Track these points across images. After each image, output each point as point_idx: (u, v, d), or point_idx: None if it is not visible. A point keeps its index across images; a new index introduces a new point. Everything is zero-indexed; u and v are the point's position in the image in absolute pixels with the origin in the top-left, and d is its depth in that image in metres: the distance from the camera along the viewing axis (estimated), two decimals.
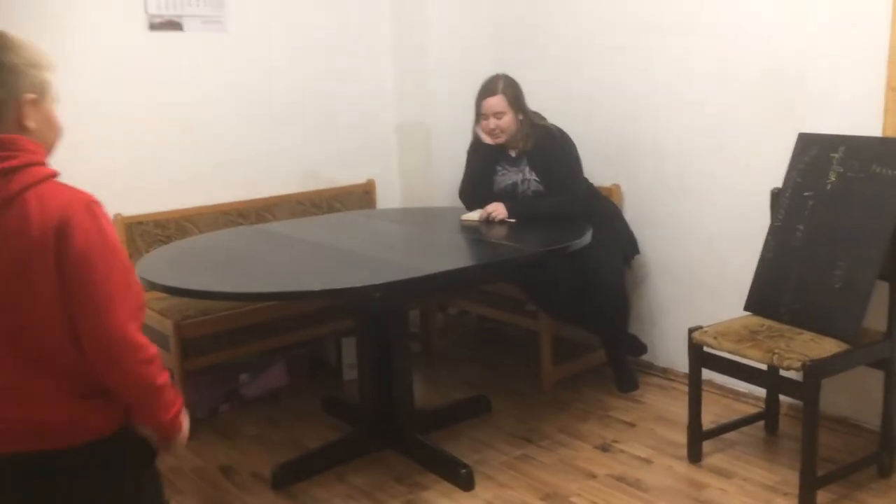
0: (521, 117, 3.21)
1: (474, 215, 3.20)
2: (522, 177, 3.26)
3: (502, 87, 3.19)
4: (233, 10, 3.56)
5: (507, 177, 3.30)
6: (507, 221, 3.13)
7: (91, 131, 3.12)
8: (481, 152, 3.33)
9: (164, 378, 1.40)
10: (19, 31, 1.40)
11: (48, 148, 1.40)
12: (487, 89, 3.20)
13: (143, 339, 1.36)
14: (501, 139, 3.23)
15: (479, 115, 3.23)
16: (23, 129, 1.35)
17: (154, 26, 3.35)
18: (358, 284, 2.40)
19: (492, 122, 3.19)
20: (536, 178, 3.24)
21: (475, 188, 3.35)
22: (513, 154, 3.29)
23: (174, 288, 2.35)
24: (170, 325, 2.99)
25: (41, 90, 1.37)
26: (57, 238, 1.29)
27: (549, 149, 3.21)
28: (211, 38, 3.52)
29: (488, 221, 3.15)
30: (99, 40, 3.20)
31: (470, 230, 3.13)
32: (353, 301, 2.88)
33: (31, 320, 1.31)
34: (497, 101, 3.17)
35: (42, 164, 1.36)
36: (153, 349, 1.39)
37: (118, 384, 1.37)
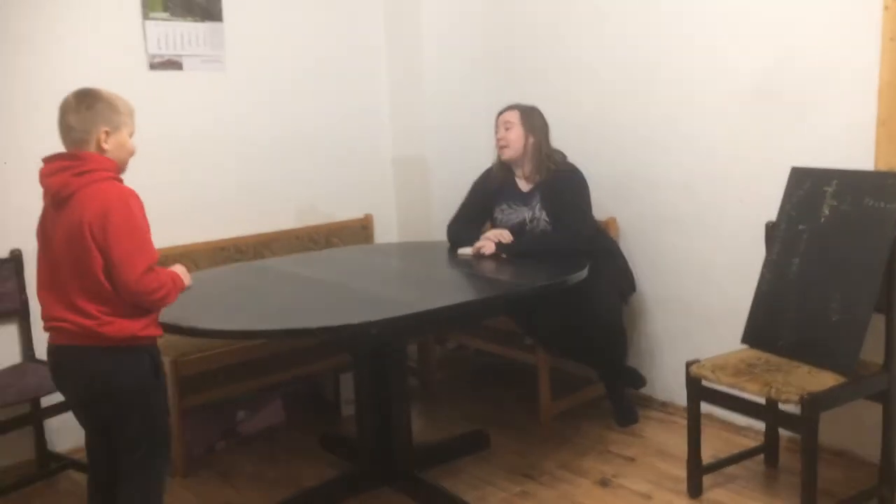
0: (531, 139, 3.24)
1: (469, 250, 3.21)
2: (532, 214, 3.27)
3: (522, 106, 3.27)
4: (232, 50, 3.61)
5: (516, 214, 3.30)
6: (498, 255, 3.13)
7: None
8: (484, 189, 3.36)
9: (161, 293, 2.10)
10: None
11: (120, 163, 2.15)
12: (508, 105, 3.31)
13: (151, 283, 2.07)
14: (506, 154, 3.27)
15: (496, 129, 3.30)
16: (101, 150, 2.10)
17: (154, 66, 3.40)
18: (355, 321, 2.39)
19: (501, 132, 3.25)
20: (546, 218, 3.24)
21: (463, 223, 3.36)
22: (524, 189, 3.31)
23: (171, 325, 2.34)
24: (167, 362, 2.99)
25: (114, 125, 2.12)
26: (101, 217, 2.02)
27: (561, 186, 3.23)
28: (210, 76, 3.56)
29: (480, 256, 3.16)
30: (100, 80, 3.22)
31: (467, 265, 3.14)
32: (351, 338, 2.87)
33: (86, 267, 2.04)
34: (509, 114, 3.26)
35: (106, 170, 2.09)
36: (156, 283, 2.08)
37: (136, 305, 2.10)
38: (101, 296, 2.06)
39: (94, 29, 3.24)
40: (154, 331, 2.18)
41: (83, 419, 2.27)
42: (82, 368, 2.12)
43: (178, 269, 2.28)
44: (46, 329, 2.15)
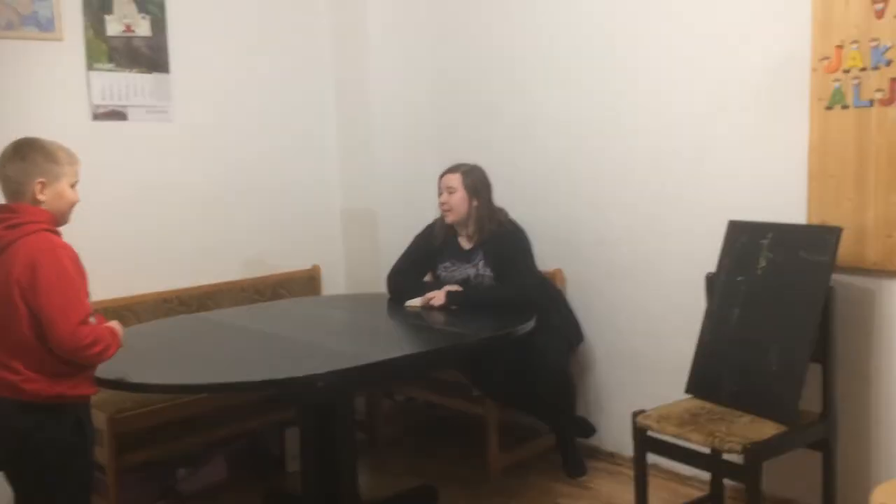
0: (475, 203, 3.27)
1: (417, 302, 3.21)
2: (476, 272, 3.29)
3: (464, 169, 3.29)
4: (178, 101, 3.59)
5: (459, 271, 3.33)
6: (447, 308, 3.14)
7: None
8: (427, 242, 3.38)
9: (99, 348, 2.05)
10: None
11: (59, 214, 2.10)
12: (450, 167, 3.31)
13: (86, 336, 2.01)
14: (450, 217, 3.29)
15: (439, 191, 3.30)
16: (36, 201, 2.06)
17: (98, 116, 3.36)
18: (300, 374, 2.36)
19: (443, 197, 3.27)
20: (491, 274, 3.27)
21: (404, 275, 3.36)
22: (466, 247, 3.34)
23: (108, 380, 2.27)
24: (104, 418, 2.89)
25: (52, 176, 2.07)
26: (30, 271, 1.98)
27: (503, 243, 3.26)
28: (156, 127, 3.53)
29: (429, 307, 3.16)
30: (42, 130, 3.17)
31: (415, 316, 3.13)
32: (296, 392, 2.82)
33: (13, 322, 2.00)
34: (452, 178, 3.27)
35: (37, 223, 2.04)
36: (91, 337, 2.02)
37: (72, 362, 2.05)
38: (25, 353, 2.01)
39: (39, 79, 3.20)
40: (85, 389, 2.12)
41: (6, 477, 2.18)
42: (1, 422, 2.06)
43: (114, 324, 2.21)
44: None
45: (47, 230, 2.06)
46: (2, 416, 2.05)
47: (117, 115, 3.42)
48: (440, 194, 3.30)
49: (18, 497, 2.18)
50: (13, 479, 2.16)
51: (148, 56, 3.48)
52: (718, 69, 3.02)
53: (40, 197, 2.06)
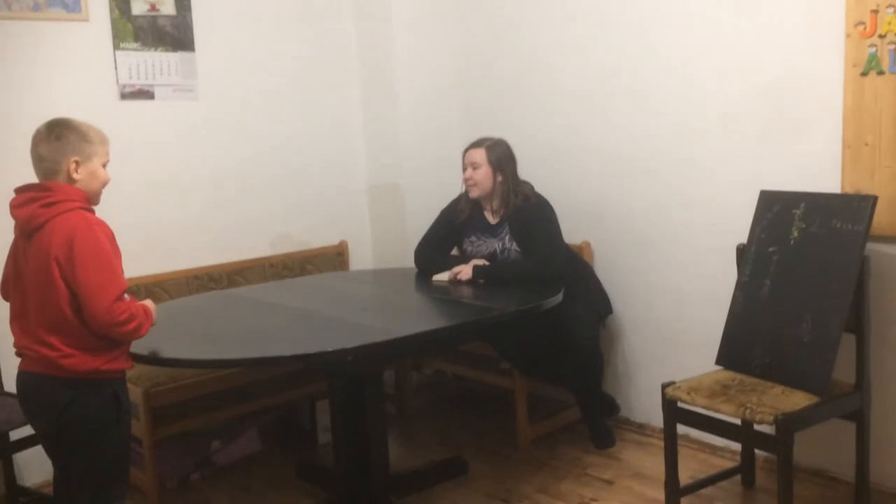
0: (499, 178, 3.25)
1: (444, 276, 3.22)
2: (502, 245, 3.28)
3: (488, 143, 3.26)
4: (204, 79, 3.60)
5: (485, 245, 3.32)
6: (474, 282, 3.14)
7: None
8: (453, 218, 3.37)
9: (134, 324, 2.07)
10: None
11: (92, 193, 2.14)
12: (474, 142, 3.29)
13: (121, 313, 2.04)
14: (474, 193, 3.27)
15: (463, 166, 3.28)
16: (71, 180, 2.09)
17: (125, 95, 3.39)
18: (330, 348, 2.38)
19: (468, 172, 3.25)
20: (517, 248, 3.26)
21: (431, 250, 3.37)
22: (492, 221, 3.33)
23: (142, 356, 2.31)
24: (139, 393, 2.95)
25: (85, 155, 2.10)
26: (67, 248, 2.00)
27: (528, 216, 3.24)
28: (182, 105, 3.55)
29: (456, 281, 3.16)
30: (71, 110, 3.21)
31: (442, 291, 3.14)
32: (326, 365, 2.85)
33: (51, 299, 2.03)
34: (476, 153, 3.24)
35: (74, 200, 2.07)
36: (127, 314, 2.05)
37: (107, 337, 2.08)
38: (63, 329, 2.04)
39: (66, 60, 3.23)
40: (121, 364, 2.15)
41: (46, 450, 2.25)
42: (40, 397, 2.11)
43: (148, 303, 2.25)
44: (17, 355, 2.15)
45: (82, 208, 2.09)
46: (41, 390, 2.11)
47: (144, 94, 3.44)
48: (465, 170, 3.29)
49: (58, 468, 2.24)
50: (53, 452, 2.22)
51: (173, 35, 3.49)
52: (749, 35, 2.96)
53: (75, 176, 2.09)
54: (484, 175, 3.24)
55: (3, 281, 2.21)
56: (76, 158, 2.08)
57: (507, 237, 3.28)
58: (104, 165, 2.16)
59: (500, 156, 3.26)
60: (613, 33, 3.38)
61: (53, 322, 2.04)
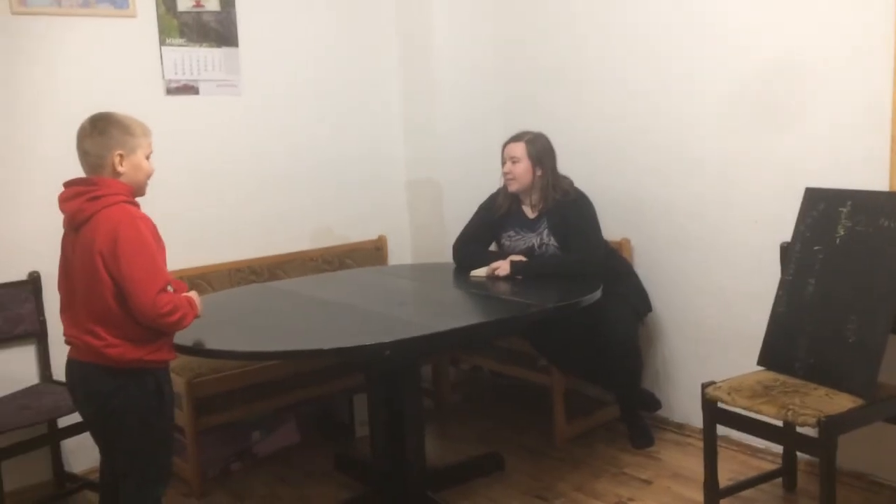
0: (539, 172, 3.23)
1: (482, 272, 3.22)
2: (541, 240, 3.27)
3: (528, 137, 3.25)
4: (247, 74, 3.65)
5: (523, 240, 3.31)
6: (512, 277, 3.13)
7: None
8: (491, 213, 3.37)
9: (177, 316, 2.11)
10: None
11: (137, 185, 2.17)
12: (514, 136, 3.28)
13: (165, 305, 2.07)
14: (513, 187, 3.26)
15: (502, 160, 3.28)
16: (116, 173, 2.12)
17: (171, 91, 3.45)
18: (368, 343, 2.40)
19: (507, 166, 3.24)
20: (555, 244, 3.24)
21: (469, 245, 3.37)
22: (530, 216, 3.32)
23: (186, 347, 2.36)
24: (182, 383, 3.00)
25: (129, 148, 2.13)
26: (111, 241, 2.04)
27: (567, 211, 3.22)
28: (226, 100, 3.61)
29: (494, 277, 3.16)
30: (117, 105, 3.28)
31: (481, 286, 3.14)
32: (364, 359, 2.88)
33: (96, 291, 2.08)
34: (516, 147, 3.23)
35: (118, 194, 2.10)
36: (170, 306, 2.08)
37: (152, 328, 2.12)
38: (109, 319, 2.09)
39: (113, 55, 3.30)
40: (164, 355, 2.20)
41: (93, 437, 2.31)
42: (87, 385, 2.17)
43: (193, 294, 2.28)
44: (66, 343, 2.21)
45: (126, 202, 2.13)
46: (86, 379, 2.16)
47: (189, 89, 3.50)
48: (504, 164, 3.28)
49: (104, 455, 2.31)
50: (98, 439, 2.29)
51: (217, 31, 3.55)
52: (795, 27, 2.89)
53: (120, 169, 2.12)
54: (523, 169, 3.23)
55: (58, 274, 2.26)
56: (120, 152, 2.12)
57: (546, 232, 3.26)
58: (148, 157, 2.19)
59: (540, 150, 3.24)
60: (654, 32, 3.32)
61: (99, 313, 2.09)
